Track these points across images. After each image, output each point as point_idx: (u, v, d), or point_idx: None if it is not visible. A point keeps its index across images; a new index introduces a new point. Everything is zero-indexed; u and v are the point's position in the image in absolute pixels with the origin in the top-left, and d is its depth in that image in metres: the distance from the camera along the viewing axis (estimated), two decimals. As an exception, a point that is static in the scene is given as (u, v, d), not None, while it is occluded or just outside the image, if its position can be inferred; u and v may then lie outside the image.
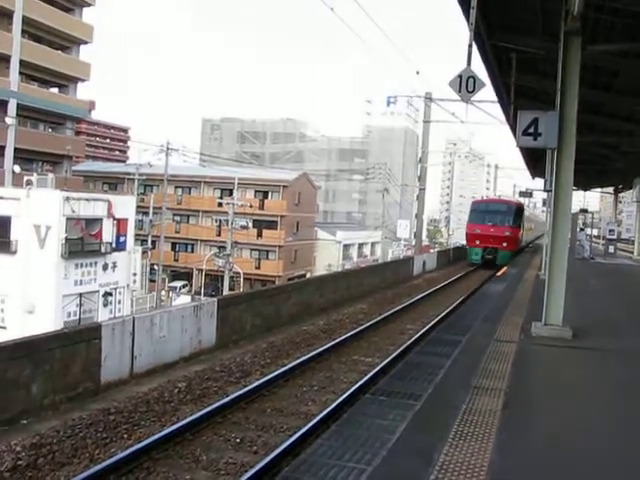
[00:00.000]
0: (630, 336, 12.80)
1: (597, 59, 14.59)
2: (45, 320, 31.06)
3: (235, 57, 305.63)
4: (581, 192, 66.03)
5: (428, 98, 42.92)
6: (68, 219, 34.24)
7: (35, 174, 38.67)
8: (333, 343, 16.54)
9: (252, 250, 63.90)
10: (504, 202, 47.55)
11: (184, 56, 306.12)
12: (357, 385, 12.41)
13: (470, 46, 11.56)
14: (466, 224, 45.60)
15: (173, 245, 65.42)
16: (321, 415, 10.48)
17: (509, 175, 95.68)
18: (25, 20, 46.99)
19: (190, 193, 67.61)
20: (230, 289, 48.12)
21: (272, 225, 64.17)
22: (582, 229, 39.66)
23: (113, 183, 66.72)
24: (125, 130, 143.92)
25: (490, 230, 41.44)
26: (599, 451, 6.43)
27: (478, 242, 42.15)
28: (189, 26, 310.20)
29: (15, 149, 45.76)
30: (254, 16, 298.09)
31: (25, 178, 36.71)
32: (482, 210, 43.97)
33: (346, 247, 75.62)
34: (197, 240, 65.91)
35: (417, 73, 33.09)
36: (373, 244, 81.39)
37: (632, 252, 44.63)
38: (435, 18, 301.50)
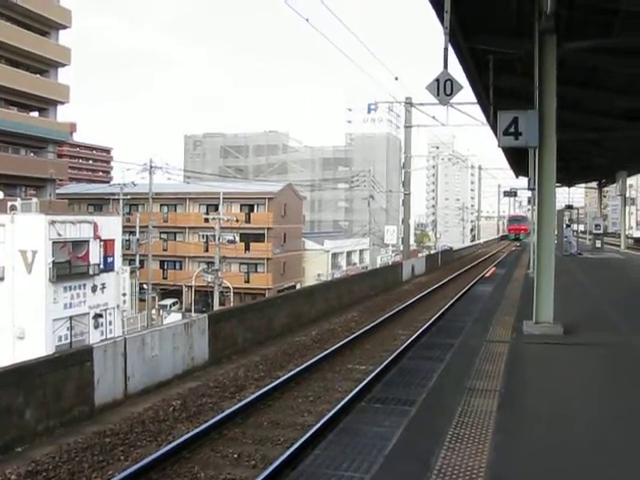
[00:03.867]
0: (622, 330, 12.82)
1: (573, 56, 14.66)
2: (36, 345, 30.88)
3: (214, 72, 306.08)
4: (565, 188, 66.42)
5: (408, 103, 43.08)
6: (54, 243, 34.10)
7: (19, 199, 38.58)
8: (326, 353, 16.54)
9: (241, 264, 63.72)
10: (522, 215, 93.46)
11: (162, 73, 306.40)
12: (352, 394, 12.39)
13: (446, 49, 11.59)
14: (506, 224, 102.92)
15: (161, 263, 65.15)
16: (317, 426, 10.46)
17: (493, 175, 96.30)
18: (2, 45, 46.88)
19: (176, 210, 67.40)
20: (220, 304, 47.98)
21: (259, 238, 64.00)
22: (568, 225, 39.74)
23: (98, 204, 66.35)
24: (107, 150, 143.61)
25: (517, 226, 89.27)
26: (598, 449, 6.43)
27: (512, 231, 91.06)
28: (166, 43, 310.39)
29: (-3, 175, 45.63)
30: (232, 29, 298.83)
31: (9, 204, 36.55)
32: (512, 218, 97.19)
33: (335, 256, 75.60)
34: (185, 257, 65.69)
35: (396, 79, 33.20)
36: (361, 251, 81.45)
37: (619, 245, 44.82)
38: (410, 23, 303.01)
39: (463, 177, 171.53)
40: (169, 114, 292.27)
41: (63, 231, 34.77)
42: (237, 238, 58.63)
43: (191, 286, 58.03)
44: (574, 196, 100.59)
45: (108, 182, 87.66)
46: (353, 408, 11.42)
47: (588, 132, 26.10)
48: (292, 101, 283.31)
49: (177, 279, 62.90)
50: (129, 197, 55.87)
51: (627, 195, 44.83)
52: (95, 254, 37.12)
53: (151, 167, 51.79)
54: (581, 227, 60.11)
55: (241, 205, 65.44)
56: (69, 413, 11.62)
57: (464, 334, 13.50)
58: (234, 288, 55.59)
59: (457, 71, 17.34)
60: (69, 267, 35.30)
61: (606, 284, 22.67)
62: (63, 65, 55.51)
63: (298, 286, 61.24)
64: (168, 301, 62.15)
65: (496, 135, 12.75)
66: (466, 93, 18.39)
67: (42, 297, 33.20)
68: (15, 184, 50.80)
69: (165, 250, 65.08)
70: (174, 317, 47.42)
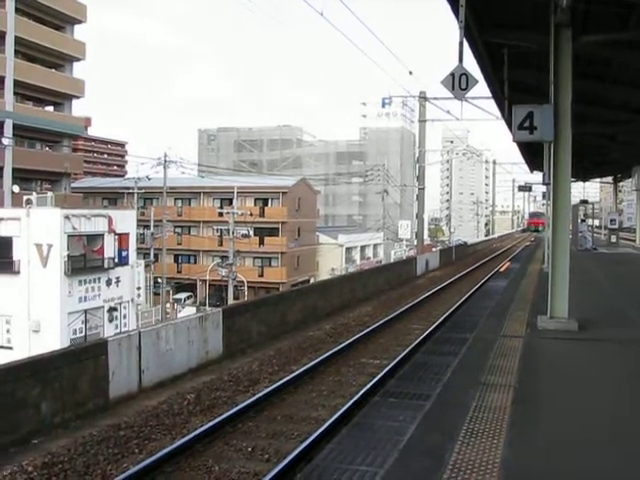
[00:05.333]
0: (637, 325, 12.76)
1: (589, 50, 14.58)
2: (51, 338, 31.04)
3: (228, 67, 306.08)
4: (580, 183, 66.16)
5: (422, 97, 42.94)
6: (69, 236, 34.20)
7: (34, 193, 38.69)
8: (340, 347, 16.56)
9: (255, 258, 63.73)
10: (541, 211, 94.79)
11: (176, 68, 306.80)
12: (366, 388, 12.39)
13: (461, 44, 11.55)
14: (527, 219, 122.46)
15: (176, 257, 65.28)
16: (331, 420, 10.47)
17: (507, 170, 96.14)
18: (18, 40, 47.07)
19: (190, 204, 67.46)
20: (235, 298, 48.08)
21: (273, 232, 63.93)
22: (583, 220, 39.58)
23: (113, 198, 66.49)
24: (122, 145, 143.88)
25: (536, 220, 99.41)
26: (612, 445, 6.40)
27: (532, 224, 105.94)
28: (179, 40, 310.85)
29: (13, 169, 45.81)
30: (245, 26, 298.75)
31: (24, 197, 36.71)
32: (532, 214, 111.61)
33: (348, 250, 75.49)
34: (199, 251, 65.78)
35: (410, 73, 32.99)
36: (375, 246, 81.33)
37: (634, 241, 44.59)
38: (425, 17, 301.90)
39: (477, 172, 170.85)
40: (184, 108, 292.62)
41: (78, 225, 34.88)
42: (251, 232, 58.66)
43: (205, 280, 58.09)
44: (589, 191, 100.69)
45: (123, 176, 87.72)
46: (367, 402, 11.43)
47: (604, 126, 25.97)
48: (306, 95, 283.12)
49: (191, 273, 62.96)
50: (143, 191, 55.97)
51: (643, 190, 44.44)
52: (110, 248, 37.20)
53: (165, 161, 51.87)
54: (596, 222, 59.78)
55: (255, 199, 65.40)
56: (84, 406, 11.69)
57: (478, 329, 13.49)
58: (248, 282, 55.66)
59: (472, 65, 17.30)
60: (84, 261, 35.41)
61: (621, 279, 22.56)
62: (78, 59, 55.71)
63: (312, 280, 61.23)
64: (182, 295, 62.24)
65: (511, 129, 12.73)
66: (481, 87, 18.27)
67: (57, 290, 33.34)
68: (31, 178, 51.04)
69: (179, 244, 65.20)
70: (188, 311, 47.50)
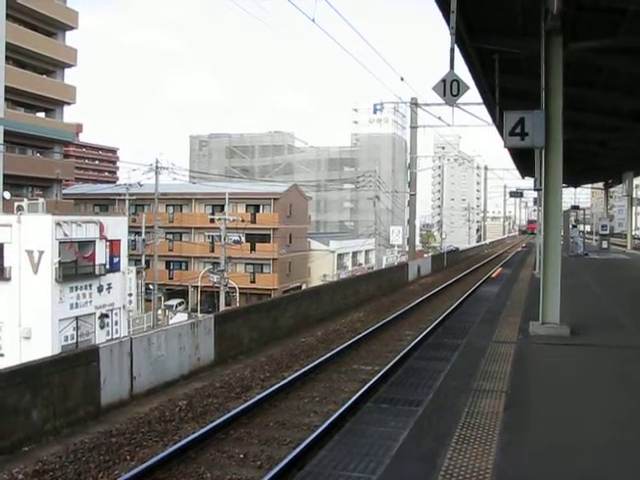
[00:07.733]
0: (629, 330, 12.78)
1: (579, 56, 14.62)
2: (43, 345, 30.92)
3: (220, 72, 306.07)
4: (572, 189, 66.36)
5: (414, 104, 43.02)
6: (61, 243, 34.12)
7: (25, 199, 38.55)
8: (332, 353, 16.54)
9: (246, 264, 63.74)
10: (535, 219, 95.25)
11: (168, 74, 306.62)
12: (358, 394, 12.38)
13: (452, 50, 11.56)
14: (526, 224, 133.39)
15: (167, 263, 65.19)
16: (324, 426, 10.46)
17: (499, 176, 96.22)
18: (9, 46, 46.92)
19: (182, 211, 67.43)
20: (226, 304, 47.98)
21: (265, 238, 63.95)
22: (574, 226, 39.75)
23: (104, 204, 66.34)
24: (113, 151, 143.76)
25: (532, 226, 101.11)
26: (605, 450, 6.40)
27: (529, 229, 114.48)
28: (171, 46, 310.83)
29: (4, 175, 45.58)
30: (238, 29, 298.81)
31: (16, 204, 36.59)
32: (530, 221, 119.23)
33: (340, 256, 75.50)
34: (191, 257, 65.70)
35: (402, 79, 33.01)
36: (367, 252, 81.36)
37: (625, 246, 44.71)
38: (416, 24, 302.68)
39: (469, 177, 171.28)
40: (175, 115, 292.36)
41: (69, 231, 34.79)
42: (243, 238, 58.63)
43: (197, 286, 58.03)
44: (580, 197, 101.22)
45: (114, 182, 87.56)
46: (359, 409, 11.42)
47: (595, 132, 26.06)
48: (298, 101, 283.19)
49: (183, 279, 62.89)
50: (135, 197, 55.91)
51: (634, 195, 44.66)
52: (101, 254, 37.13)
53: (157, 167, 51.85)
54: (587, 228, 59.97)
55: (247, 205, 65.44)
56: (75, 413, 11.64)
57: (470, 334, 13.48)
58: (240, 288, 55.60)
59: (463, 71, 17.37)
60: (75, 267, 35.34)
61: (613, 285, 22.59)
62: (69, 66, 55.64)
63: (304, 286, 61.19)
64: (174, 301, 62.12)
65: (502, 135, 12.73)
66: (472, 93, 18.39)
67: (48, 297, 33.22)
68: (22, 184, 50.84)
69: (171, 250, 65.11)
70: (180, 317, 47.39)
